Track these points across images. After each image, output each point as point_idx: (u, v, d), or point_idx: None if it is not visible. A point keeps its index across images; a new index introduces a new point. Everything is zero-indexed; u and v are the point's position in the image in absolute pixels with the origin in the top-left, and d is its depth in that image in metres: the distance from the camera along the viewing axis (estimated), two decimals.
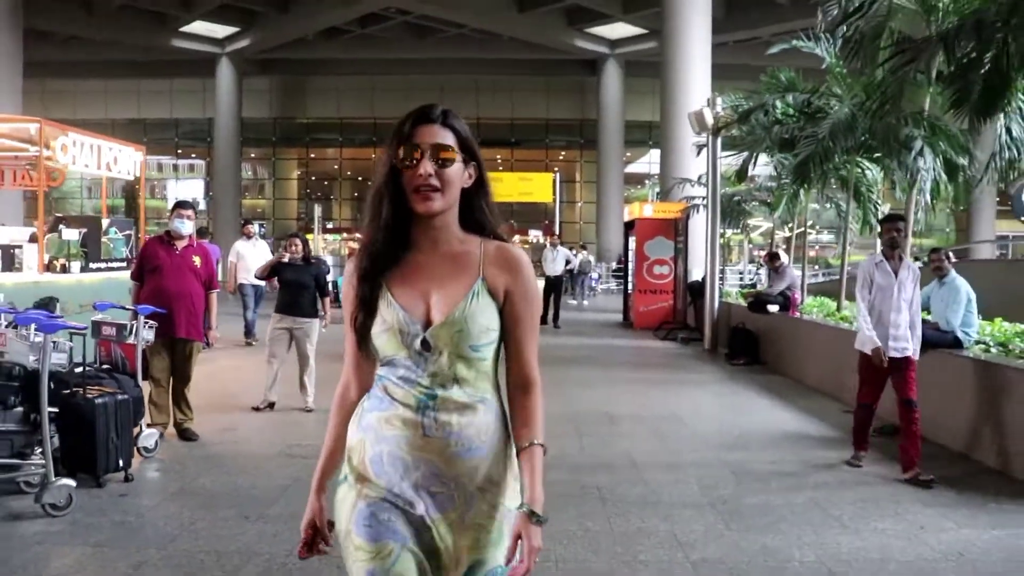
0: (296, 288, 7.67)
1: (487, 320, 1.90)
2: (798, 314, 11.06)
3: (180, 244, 6.60)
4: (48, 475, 4.63)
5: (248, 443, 6.54)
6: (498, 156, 43.06)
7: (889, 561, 4.25)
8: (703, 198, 14.59)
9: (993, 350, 6.83)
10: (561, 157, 43.72)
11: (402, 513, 1.87)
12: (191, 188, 43.62)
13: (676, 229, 16.44)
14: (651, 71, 29.11)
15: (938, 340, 6.83)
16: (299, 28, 34.36)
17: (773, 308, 11.39)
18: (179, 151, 45.06)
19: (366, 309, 1.92)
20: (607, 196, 37.13)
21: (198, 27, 35.40)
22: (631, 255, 18.19)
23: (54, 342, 4.89)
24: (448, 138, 1.89)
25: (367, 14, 32.76)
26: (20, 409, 4.65)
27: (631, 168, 41.72)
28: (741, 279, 26.23)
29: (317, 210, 35.56)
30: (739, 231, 24.02)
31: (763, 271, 17.50)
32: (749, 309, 11.96)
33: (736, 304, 13.31)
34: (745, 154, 12.08)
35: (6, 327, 5.28)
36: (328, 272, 12.07)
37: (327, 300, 7.95)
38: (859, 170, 10.90)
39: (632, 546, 4.37)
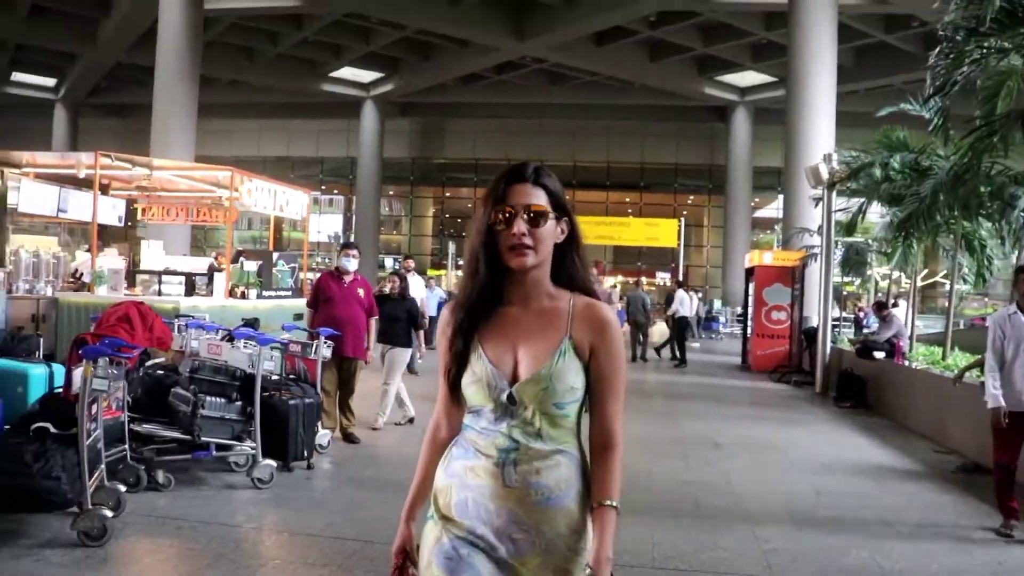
0: (391, 320, 8.58)
1: (572, 379, 1.96)
2: (904, 361, 11.64)
3: (347, 278, 7.93)
4: (257, 456, 5.97)
5: (399, 447, 7.77)
6: (627, 199, 44.10)
7: (932, 563, 5.06)
8: (820, 247, 15.23)
9: None
10: (689, 202, 44.33)
11: (483, 553, 1.94)
12: (331, 223, 46.30)
13: (794, 277, 17.07)
14: (780, 118, 29.52)
15: None
16: (439, 75, 36.36)
17: (879, 355, 12.00)
18: (323, 187, 47.86)
19: (459, 361, 2.02)
20: (733, 241, 37.50)
21: (346, 72, 37.96)
22: (751, 300, 18.84)
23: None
24: (540, 197, 1.97)
25: (504, 62, 34.41)
26: (239, 403, 6.00)
27: (760, 213, 42.00)
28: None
29: (451, 247, 37.32)
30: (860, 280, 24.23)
31: (871, 319, 17.87)
32: (857, 355, 12.58)
33: (848, 350, 13.88)
34: (854, 207, 12.78)
35: (220, 340, 6.69)
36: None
37: (420, 332, 9.06)
38: (971, 225, 11.43)
39: (716, 537, 5.33)
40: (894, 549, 5.25)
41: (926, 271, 14.38)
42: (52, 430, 4.59)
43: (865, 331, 17.40)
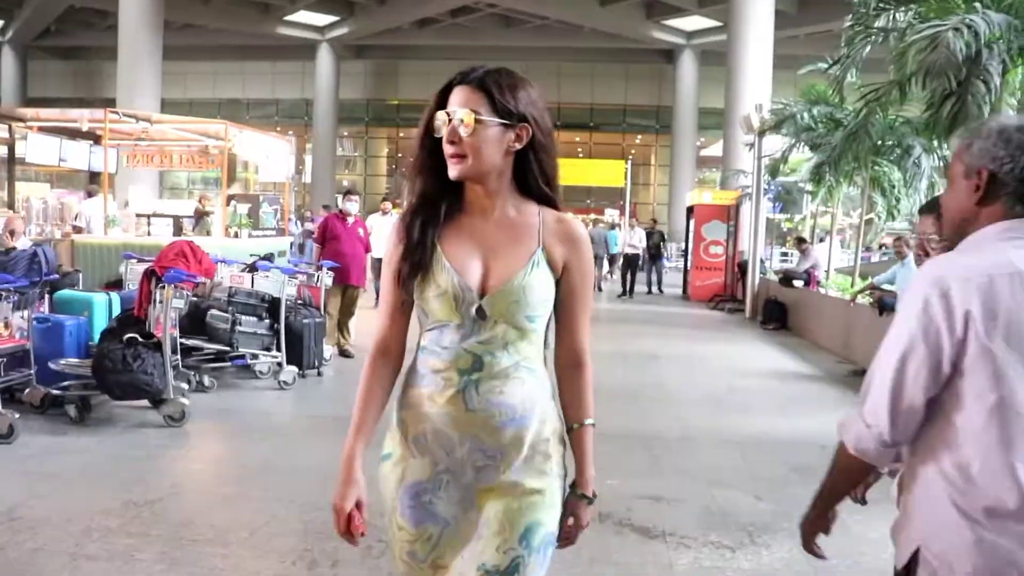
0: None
1: (545, 291, 1.87)
2: (818, 288, 13.35)
3: (350, 219, 9.36)
4: (282, 364, 7.41)
5: None
6: (577, 138, 45.38)
7: None
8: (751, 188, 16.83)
9: None
10: (637, 141, 45.76)
11: (445, 492, 1.87)
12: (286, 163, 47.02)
13: (729, 214, 18.70)
14: (724, 61, 31.02)
15: (894, 304, 9.14)
16: (395, 18, 37.07)
17: (798, 283, 13.71)
18: (278, 128, 48.35)
19: (415, 265, 1.86)
20: (679, 180, 39.07)
21: (301, 16, 38.39)
22: (691, 236, 20.46)
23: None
24: (478, 102, 1.80)
25: (458, 7, 35.24)
26: (267, 321, 7.41)
27: (707, 152, 43.61)
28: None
29: (406, 186, 38.47)
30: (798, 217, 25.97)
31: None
32: (779, 284, 14.29)
33: (774, 280, 15.59)
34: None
35: (241, 271, 8.06)
36: None
37: None
38: (883, 169, 13.07)
39: (647, 416, 6.91)
40: (785, 423, 6.90)
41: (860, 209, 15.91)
42: (139, 339, 5.95)
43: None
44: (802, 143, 13.73)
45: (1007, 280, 1.59)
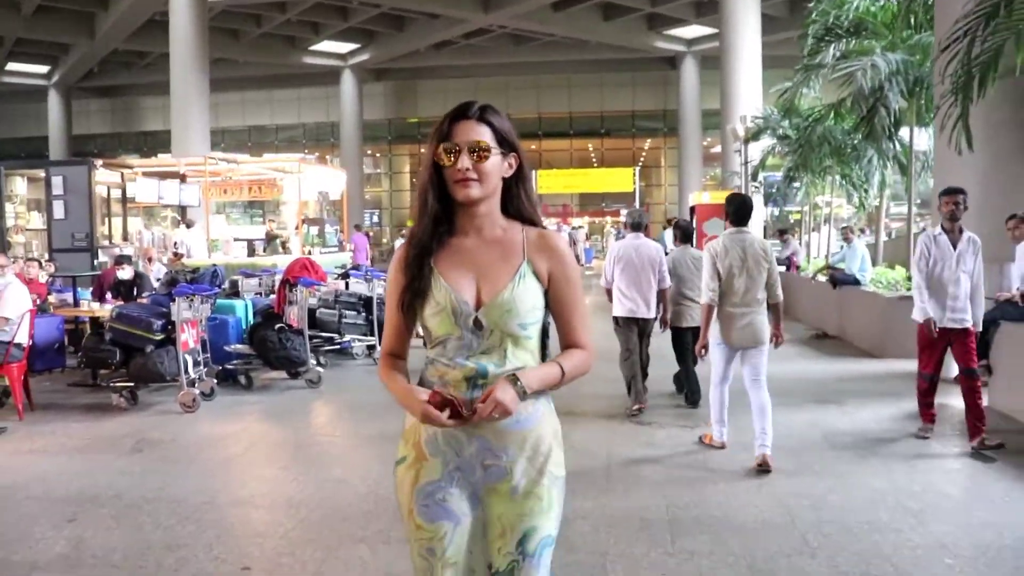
0: None
1: (533, 300, 2.07)
2: (796, 271, 15.77)
3: None
4: (374, 346, 9.96)
5: None
6: (590, 146, 47.83)
7: None
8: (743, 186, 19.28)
9: None
10: (647, 145, 48.12)
11: (456, 491, 2.08)
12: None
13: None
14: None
15: (843, 279, 11.57)
16: (412, 43, 39.56)
17: (780, 268, 16.13)
18: (305, 150, 51.13)
19: (416, 292, 2.07)
20: (687, 179, 41.33)
21: (324, 46, 40.99)
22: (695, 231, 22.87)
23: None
24: (484, 133, 2.04)
25: (472, 30, 37.77)
26: (363, 314, 9.96)
27: (716, 149, 45.90)
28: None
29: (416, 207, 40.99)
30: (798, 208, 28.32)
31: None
32: None
33: None
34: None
35: (336, 278, 10.62)
36: None
37: None
38: (847, 169, 15.44)
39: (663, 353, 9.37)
40: None
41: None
42: (285, 326, 8.52)
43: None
44: (777, 149, 16.19)
45: None
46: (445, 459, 2.09)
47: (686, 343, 7.56)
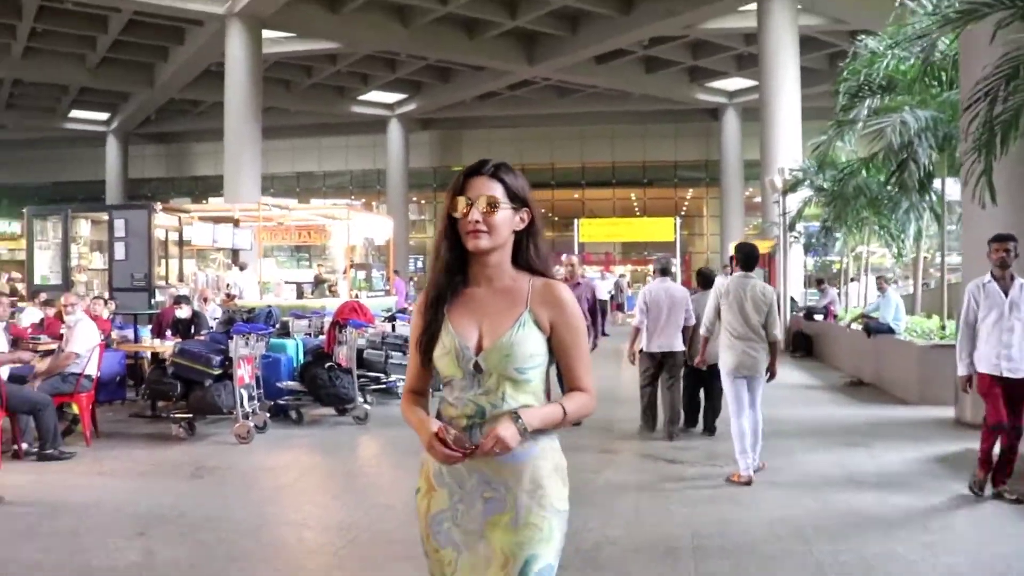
0: None
1: (531, 347, 2.20)
2: (834, 320, 15.96)
3: None
4: None
5: None
6: (632, 195, 48.29)
7: None
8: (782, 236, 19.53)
9: None
10: (689, 194, 48.48)
11: (462, 516, 2.23)
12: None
13: (766, 261, 21.35)
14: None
15: (877, 328, 11.79)
16: (458, 94, 40.47)
17: (818, 317, 16.34)
18: (352, 196, 52.18)
19: (430, 335, 2.25)
20: (729, 229, 41.50)
21: (373, 96, 42.03)
22: None
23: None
24: (496, 189, 2.19)
25: (517, 82, 38.61)
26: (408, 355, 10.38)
27: (757, 199, 46.08)
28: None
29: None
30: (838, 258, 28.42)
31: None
32: (804, 319, 16.92)
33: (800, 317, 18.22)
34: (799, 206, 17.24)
35: (383, 320, 11.07)
36: None
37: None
38: (884, 220, 15.67)
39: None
40: (785, 412, 9.58)
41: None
42: (334, 365, 8.97)
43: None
44: (814, 200, 16.50)
45: None
46: (451, 491, 2.24)
47: (713, 379, 8.00)
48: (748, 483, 6.42)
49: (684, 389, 8.59)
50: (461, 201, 2.20)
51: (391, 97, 42.63)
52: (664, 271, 8.66)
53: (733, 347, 6.58)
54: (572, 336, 2.25)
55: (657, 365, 8.42)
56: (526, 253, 2.28)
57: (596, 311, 9.10)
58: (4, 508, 5.92)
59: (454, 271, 2.26)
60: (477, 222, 2.17)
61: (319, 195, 47.05)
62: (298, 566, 4.71)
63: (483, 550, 2.20)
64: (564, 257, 9.33)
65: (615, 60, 35.23)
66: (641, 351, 8.46)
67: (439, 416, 2.28)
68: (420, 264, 49.42)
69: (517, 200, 2.24)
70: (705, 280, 8.97)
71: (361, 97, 42.11)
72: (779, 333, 6.72)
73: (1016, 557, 4.77)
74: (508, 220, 2.22)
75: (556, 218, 47.32)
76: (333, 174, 50.37)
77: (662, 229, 34.18)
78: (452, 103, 41.93)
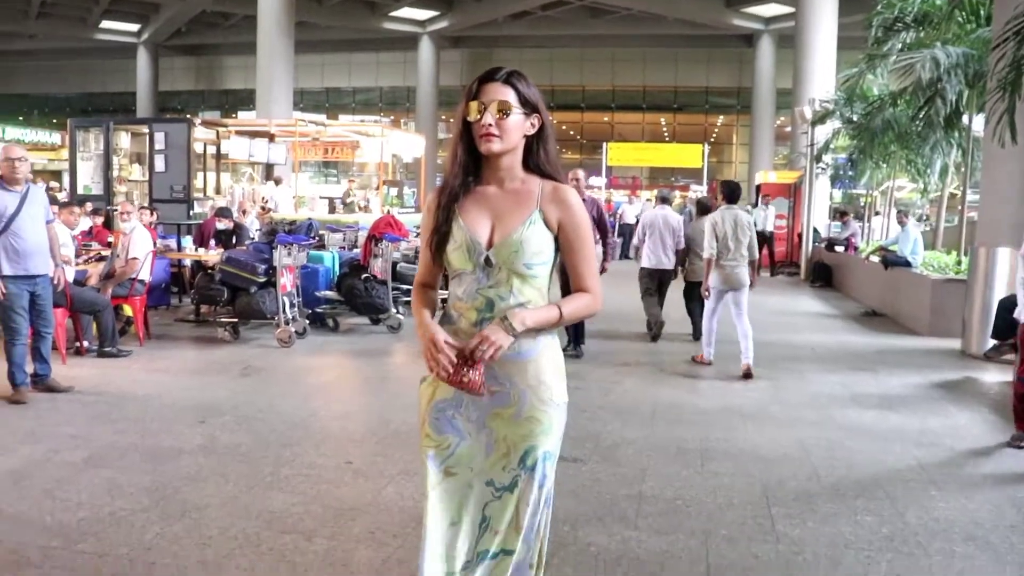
0: None
1: (540, 244, 2.29)
2: (854, 252, 16.24)
3: None
4: None
5: None
6: (662, 120, 48.05)
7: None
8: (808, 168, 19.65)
9: None
10: (719, 122, 48.15)
11: (466, 407, 2.34)
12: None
13: (791, 191, 21.51)
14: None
15: (895, 260, 12.09)
16: (490, 12, 40.20)
17: (839, 248, 16.61)
18: (381, 113, 52.26)
19: (442, 231, 2.34)
20: (758, 158, 41.31)
21: (404, 12, 41.83)
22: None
23: None
24: (508, 94, 2.27)
25: (549, 1, 38.25)
26: None
27: (789, 129, 45.72)
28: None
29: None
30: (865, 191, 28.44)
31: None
32: (825, 249, 17.20)
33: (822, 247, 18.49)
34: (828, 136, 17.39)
35: (416, 236, 11.47)
36: None
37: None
38: (917, 155, 15.78)
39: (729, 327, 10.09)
40: (800, 337, 10.03)
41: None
42: (370, 277, 9.44)
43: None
44: (842, 132, 16.61)
45: None
46: None
47: (695, 292, 9.60)
48: (709, 364, 8.30)
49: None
50: (474, 106, 2.28)
51: (423, 14, 42.32)
52: (664, 199, 10.55)
53: (724, 268, 8.01)
54: (577, 236, 2.35)
55: (653, 279, 9.93)
56: (536, 157, 2.37)
57: (606, 230, 9.23)
58: (75, 396, 6.51)
59: (468, 172, 2.36)
60: (490, 125, 2.25)
61: (348, 111, 47.13)
62: (344, 452, 5.23)
63: (484, 438, 2.34)
64: (570, 173, 8.95)
65: None
66: (643, 268, 9.99)
67: (445, 314, 2.40)
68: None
69: (528, 106, 2.32)
70: (703, 209, 9.98)
71: (392, 13, 41.86)
72: (756, 253, 8.21)
73: (990, 462, 5.23)
74: (519, 124, 2.30)
75: (585, 141, 47.33)
76: (363, 90, 50.29)
77: (690, 155, 34.22)
78: (484, 21, 41.60)
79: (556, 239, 2.35)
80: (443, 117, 50.32)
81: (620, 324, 10.34)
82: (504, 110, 2.26)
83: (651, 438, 5.74)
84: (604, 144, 32.78)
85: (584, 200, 8.22)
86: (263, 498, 4.41)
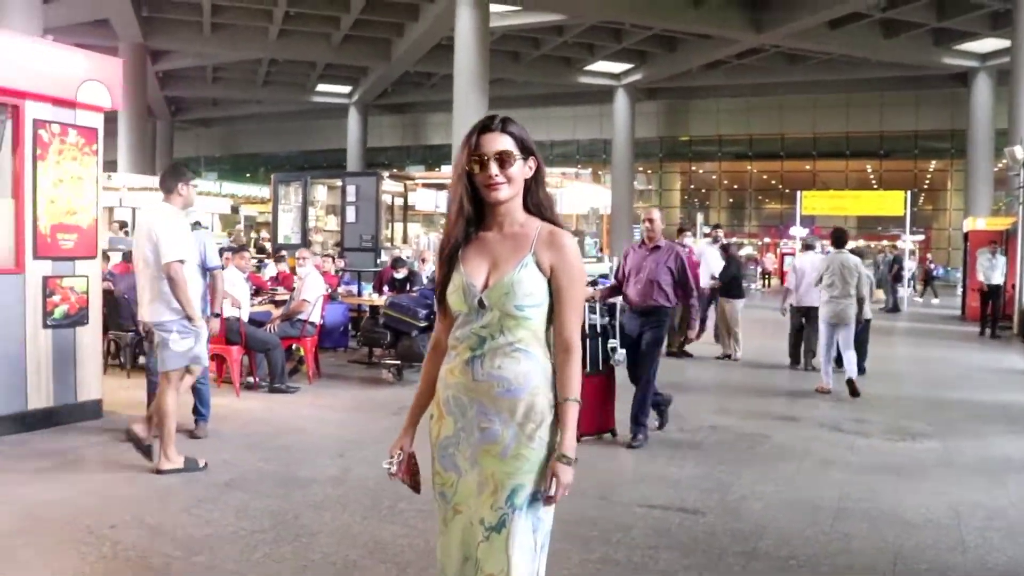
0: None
1: (532, 287, 2.34)
2: None
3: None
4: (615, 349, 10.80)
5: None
6: (868, 167, 45.96)
7: None
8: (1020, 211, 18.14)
9: None
10: (931, 167, 45.49)
11: (462, 444, 2.38)
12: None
13: (1003, 239, 19.90)
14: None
15: None
16: (684, 63, 39.99)
17: None
18: (579, 166, 52.98)
19: (446, 277, 2.43)
20: (974, 204, 38.51)
21: (599, 66, 42.38)
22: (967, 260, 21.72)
23: None
24: (508, 143, 2.35)
25: (744, 50, 37.66)
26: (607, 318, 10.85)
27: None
28: None
29: (699, 216, 41.29)
30: None
31: None
32: None
33: None
34: None
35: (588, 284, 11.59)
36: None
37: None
38: None
39: (937, 388, 9.48)
40: (991, 396, 9.32)
41: None
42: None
43: None
44: None
45: None
46: (455, 418, 2.40)
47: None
48: (828, 392, 9.15)
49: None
50: (477, 158, 2.34)
51: (617, 67, 42.78)
52: (807, 247, 12.49)
53: (829, 303, 9.19)
54: (567, 281, 2.37)
55: (801, 316, 11.04)
56: (535, 197, 2.44)
57: (689, 288, 7.11)
58: (238, 428, 7.01)
59: (470, 222, 2.43)
60: (496, 175, 2.33)
61: (548, 164, 47.99)
62: None
63: (477, 476, 2.36)
64: (644, 214, 7.51)
65: (850, 24, 33.57)
66: (791, 306, 11.18)
67: (447, 354, 2.47)
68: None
69: (526, 151, 2.40)
70: (838, 240, 9.92)
71: (587, 68, 42.55)
72: (865, 292, 9.24)
73: None
74: (521, 170, 2.38)
75: (786, 190, 45.89)
76: (560, 143, 51.29)
77: (892, 203, 32.43)
78: (678, 72, 41.50)
79: (549, 283, 2.38)
80: (640, 168, 50.56)
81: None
82: (507, 158, 2.34)
83: (784, 493, 5.46)
84: (798, 193, 31.56)
85: (658, 248, 7.13)
86: (374, 528, 4.57)
